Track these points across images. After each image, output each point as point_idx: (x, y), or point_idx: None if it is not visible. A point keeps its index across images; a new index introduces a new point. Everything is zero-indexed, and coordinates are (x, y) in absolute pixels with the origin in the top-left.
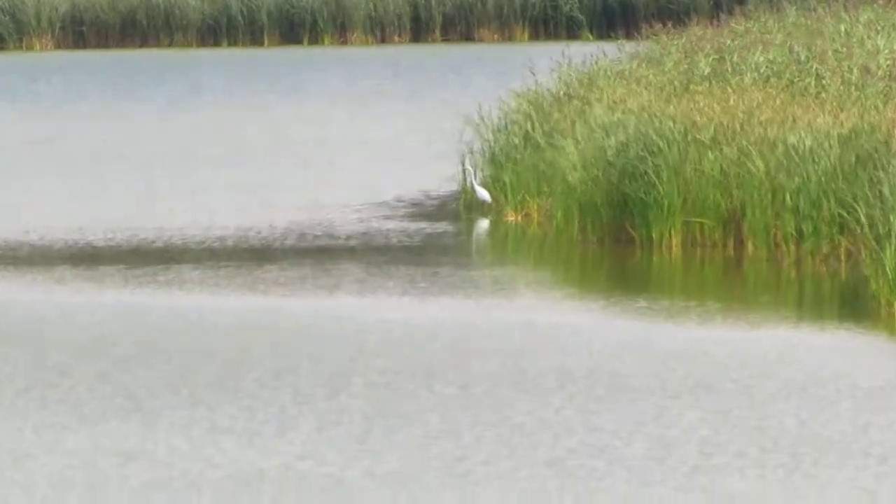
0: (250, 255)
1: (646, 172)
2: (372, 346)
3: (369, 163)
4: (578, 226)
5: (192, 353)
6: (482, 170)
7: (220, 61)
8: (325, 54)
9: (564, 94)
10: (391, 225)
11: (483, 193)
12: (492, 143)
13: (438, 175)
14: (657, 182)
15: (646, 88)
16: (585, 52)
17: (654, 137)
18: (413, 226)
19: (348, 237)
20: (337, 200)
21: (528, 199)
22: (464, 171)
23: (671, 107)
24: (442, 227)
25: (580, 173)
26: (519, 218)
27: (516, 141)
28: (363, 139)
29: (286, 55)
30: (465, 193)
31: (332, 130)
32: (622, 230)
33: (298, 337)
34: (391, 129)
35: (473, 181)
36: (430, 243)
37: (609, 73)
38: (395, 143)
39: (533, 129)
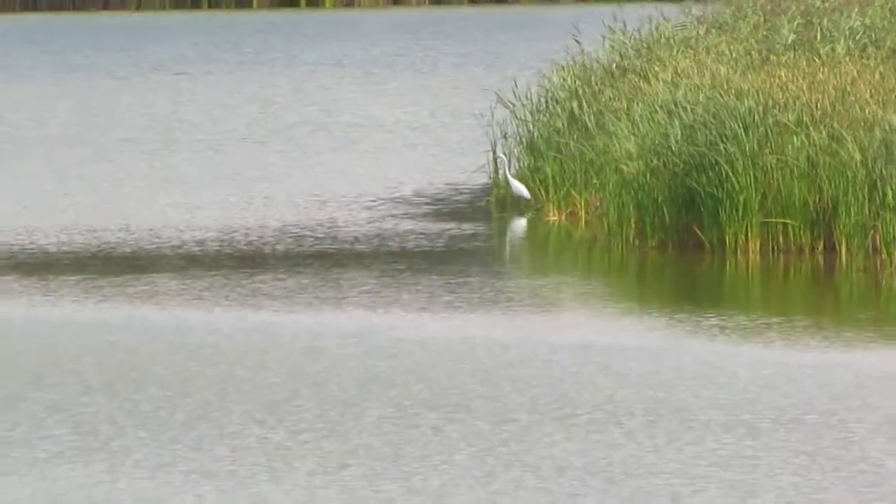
0: (238, 262)
1: (717, 162)
2: (385, 372)
3: (381, 150)
4: (635, 227)
5: (168, 381)
6: (518, 159)
7: (199, 28)
8: (327, 19)
9: (618, 66)
10: (408, 225)
11: (519, 188)
12: (530, 127)
13: (465, 165)
14: (731, 174)
15: (717, 60)
16: (642, 15)
17: (728, 120)
18: (435, 226)
19: (356, 240)
20: (342, 195)
21: (573, 194)
22: (495, 160)
23: (748, 82)
24: (469, 228)
25: (638, 163)
26: (563, 217)
27: (559, 124)
28: (373, 122)
29: (279, 20)
30: (498, 187)
31: (336, 111)
32: (689, 232)
33: (296, 361)
34: (407, 109)
35: (507, 173)
36: (456, 248)
37: (672, 40)
38: (413, 127)
39: (580, 109)
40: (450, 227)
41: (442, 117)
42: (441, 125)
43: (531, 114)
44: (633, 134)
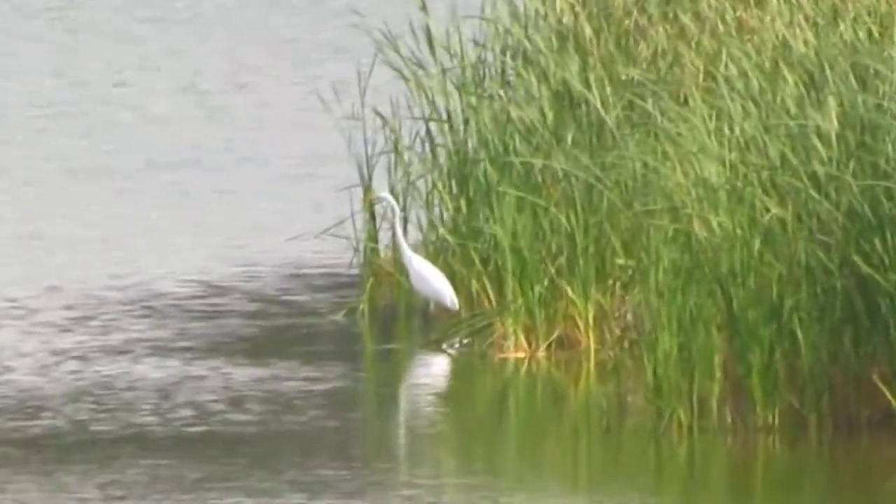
0: None
1: None
2: None
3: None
4: (724, 377)
5: None
6: (427, 204)
7: None
8: None
9: None
10: (156, 370)
11: (430, 279)
12: (455, 122)
13: (301, 224)
14: None
15: None
16: None
17: None
18: (228, 373)
19: (38, 414)
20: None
21: (568, 294)
22: (370, 206)
23: None
24: (314, 375)
25: (731, 216)
26: (540, 353)
27: (531, 115)
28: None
29: None
30: (376, 276)
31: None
32: (860, 390)
33: None
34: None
35: (402, 241)
36: (283, 431)
37: None
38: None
39: (584, 76)
40: (271, 373)
41: (237, 91)
42: (257, 128)
43: (459, 90)
44: (720, 139)
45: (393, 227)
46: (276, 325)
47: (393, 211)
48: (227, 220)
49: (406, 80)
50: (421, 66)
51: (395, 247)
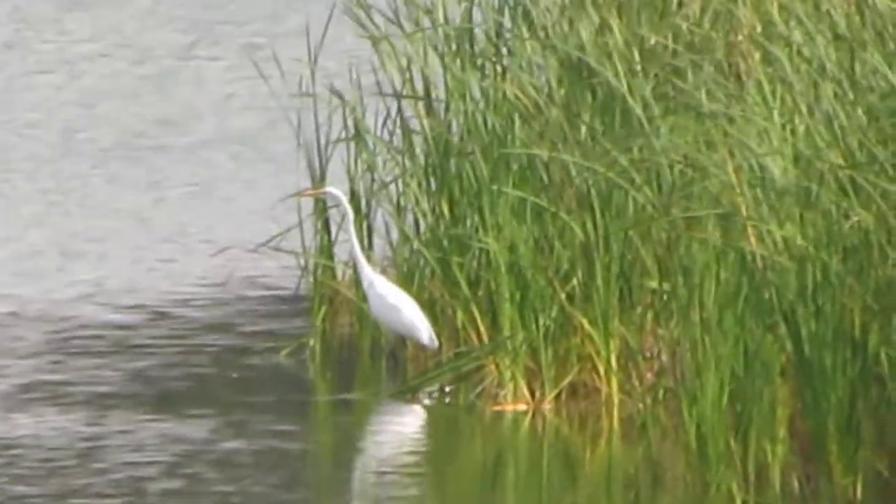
0: None
1: None
2: None
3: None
4: (790, 439)
5: None
6: (399, 213)
7: None
8: None
9: None
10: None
11: (399, 308)
12: (439, 108)
13: (233, 234)
14: None
15: None
16: None
17: None
18: (148, 432)
19: None
20: None
21: (576, 330)
22: (323, 208)
23: None
24: (255, 436)
25: (784, 229)
26: (545, 406)
27: (533, 98)
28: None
29: None
30: (331, 301)
31: None
32: None
33: None
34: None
35: (359, 258)
36: None
37: None
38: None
39: (606, 43)
40: (181, 432)
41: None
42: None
43: (441, 59)
44: (785, 124)
45: (350, 238)
46: (198, 368)
47: (346, 212)
48: (137, 228)
49: (373, 39)
50: (396, 23)
51: (356, 260)
